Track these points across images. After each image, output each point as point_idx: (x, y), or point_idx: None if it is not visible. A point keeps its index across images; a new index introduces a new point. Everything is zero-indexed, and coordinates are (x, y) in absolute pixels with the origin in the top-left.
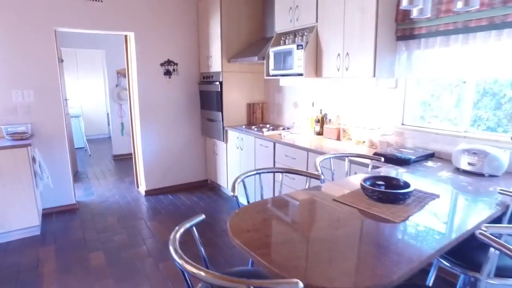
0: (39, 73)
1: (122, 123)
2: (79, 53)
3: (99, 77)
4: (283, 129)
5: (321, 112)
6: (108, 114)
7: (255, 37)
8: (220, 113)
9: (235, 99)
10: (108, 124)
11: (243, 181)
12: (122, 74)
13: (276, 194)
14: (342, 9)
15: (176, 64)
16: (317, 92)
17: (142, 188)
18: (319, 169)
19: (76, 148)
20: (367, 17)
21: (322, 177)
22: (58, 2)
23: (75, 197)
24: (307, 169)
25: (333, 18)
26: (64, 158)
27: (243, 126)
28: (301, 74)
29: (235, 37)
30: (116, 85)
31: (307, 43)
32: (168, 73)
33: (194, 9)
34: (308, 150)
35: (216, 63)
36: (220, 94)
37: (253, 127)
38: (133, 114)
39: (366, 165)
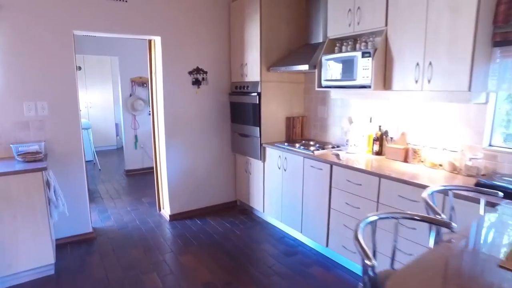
0: (55, 82)
1: (135, 136)
2: (87, 59)
3: (108, 85)
4: (332, 147)
5: (380, 129)
6: (116, 124)
7: (295, 43)
8: (258, 128)
9: (273, 112)
10: (117, 135)
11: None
12: (137, 82)
13: (385, 246)
14: (423, 10)
15: (206, 72)
16: (375, 106)
17: (166, 212)
18: (439, 211)
19: None
20: (461, 18)
21: (454, 224)
22: (78, 1)
23: (91, 224)
24: (378, 199)
25: (410, 21)
26: (80, 180)
27: (285, 144)
28: (366, 87)
29: (275, 43)
30: (130, 95)
31: (375, 50)
32: (197, 82)
33: (226, 12)
34: (380, 175)
35: (253, 72)
36: (258, 106)
37: (297, 144)
38: (157, 128)
39: (473, 200)
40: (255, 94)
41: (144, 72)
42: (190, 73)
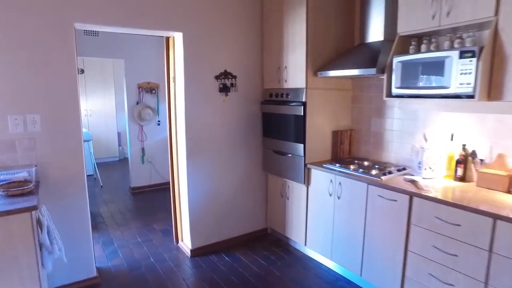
0: (50, 88)
1: (143, 149)
2: (87, 62)
3: (110, 91)
4: (399, 170)
5: (464, 149)
6: (119, 133)
7: (344, 43)
8: (301, 145)
9: (320, 126)
10: (119, 145)
11: None
12: (144, 89)
13: None
14: None
15: (235, 77)
16: (457, 119)
17: (186, 245)
18: None
19: None
20: None
21: None
22: None
23: (95, 264)
24: (490, 248)
25: None
26: (83, 213)
27: (336, 165)
28: (463, 96)
29: (323, 42)
30: (137, 103)
31: (481, 48)
32: (224, 89)
33: (257, 5)
34: (496, 216)
35: (295, 77)
36: (302, 119)
37: (351, 166)
38: (175, 144)
39: None
40: (299, 104)
41: (153, 77)
42: (217, 77)
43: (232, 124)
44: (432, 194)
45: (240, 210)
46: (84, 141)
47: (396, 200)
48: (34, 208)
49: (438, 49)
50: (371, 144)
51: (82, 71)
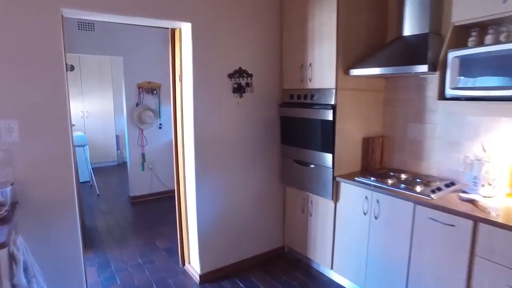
0: (31, 88)
1: (143, 154)
2: (83, 60)
3: (107, 91)
4: (447, 185)
5: None
6: (117, 136)
7: (377, 36)
8: (329, 154)
9: (350, 132)
10: (117, 149)
11: None
12: (145, 89)
13: None
14: None
15: (251, 76)
16: None
17: (194, 269)
18: None
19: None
20: None
21: None
22: None
23: None
24: None
25: None
26: (73, 240)
27: (371, 178)
28: None
29: (354, 35)
30: (137, 104)
31: None
32: (239, 89)
33: None
34: None
35: (322, 76)
36: (331, 125)
37: (389, 180)
38: (181, 153)
39: None
40: (327, 107)
41: (154, 76)
42: (231, 76)
43: (247, 129)
44: (502, 219)
45: (255, 227)
46: (79, 146)
47: (454, 225)
48: (2, 246)
49: (504, 39)
50: (408, 153)
51: (72, 68)
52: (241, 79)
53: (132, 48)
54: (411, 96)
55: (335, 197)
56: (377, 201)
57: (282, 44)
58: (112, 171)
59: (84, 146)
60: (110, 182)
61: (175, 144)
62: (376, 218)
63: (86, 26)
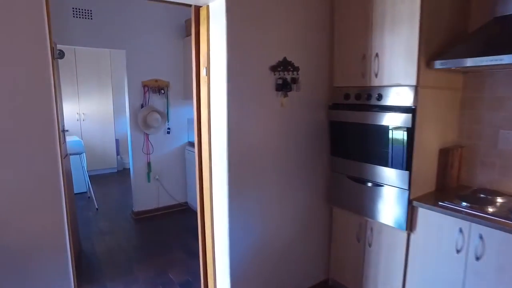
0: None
1: (149, 163)
2: (80, 54)
3: (106, 90)
4: None
5: None
6: (117, 141)
7: (459, 19)
8: (404, 172)
9: (428, 142)
10: (117, 154)
11: None
12: (151, 88)
13: None
14: None
15: (297, 69)
16: None
17: None
18: None
19: (75, 194)
20: None
21: None
22: None
23: None
24: None
25: None
26: None
27: (463, 203)
28: None
29: (438, 17)
30: (142, 105)
31: None
32: (284, 86)
33: None
34: None
35: (396, 69)
36: (410, 133)
37: (489, 207)
38: (209, 167)
39: None
40: (404, 110)
41: (162, 73)
42: (274, 69)
43: (290, 137)
44: None
45: (296, 256)
46: (74, 153)
47: None
48: None
49: None
50: (498, 168)
51: (62, 55)
52: (286, 73)
53: (136, 40)
54: (504, 95)
55: (410, 226)
56: (480, 236)
57: (333, 30)
58: (112, 179)
59: (81, 154)
60: (110, 193)
61: (198, 156)
62: (477, 259)
63: (82, 13)
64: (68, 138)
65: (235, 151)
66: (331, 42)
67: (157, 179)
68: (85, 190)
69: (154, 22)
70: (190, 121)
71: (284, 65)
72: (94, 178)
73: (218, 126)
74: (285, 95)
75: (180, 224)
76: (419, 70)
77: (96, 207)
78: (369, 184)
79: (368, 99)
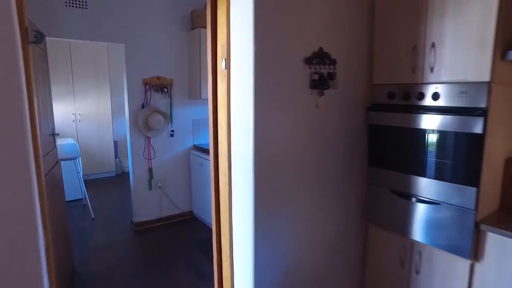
0: None
1: (150, 169)
2: (75, 48)
3: (104, 88)
4: None
5: None
6: (115, 143)
7: None
8: (469, 188)
9: (497, 151)
10: (116, 157)
11: None
12: (153, 86)
13: None
14: None
15: (334, 62)
16: None
17: None
18: None
19: (69, 201)
20: None
21: None
22: None
23: None
24: None
25: None
26: None
27: None
28: None
29: None
30: (143, 105)
31: None
32: (320, 83)
33: None
34: None
35: (460, 62)
36: (479, 141)
37: None
38: (229, 178)
39: None
40: (472, 112)
41: (165, 70)
42: (308, 61)
43: (325, 144)
44: None
45: (327, 282)
46: (68, 159)
47: None
48: None
49: None
50: None
51: (39, 38)
52: (322, 66)
53: (136, 33)
54: None
55: (475, 254)
56: None
57: (375, 15)
58: (110, 184)
59: (75, 158)
60: (108, 200)
61: (214, 165)
62: None
63: (76, 2)
64: (62, 141)
65: (262, 161)
66: (371, 30)
67: (159, 186)
68: (81, 197)
69: (156, 13)
70: (196, 122)
71: (320, 57)
72: (91, 183)
73: (241, 131)
74: (321, 94)
75: (186, 237)
76: (494, 62)
77: (93, 216)
78: (419, 201)
79: (419, 99)
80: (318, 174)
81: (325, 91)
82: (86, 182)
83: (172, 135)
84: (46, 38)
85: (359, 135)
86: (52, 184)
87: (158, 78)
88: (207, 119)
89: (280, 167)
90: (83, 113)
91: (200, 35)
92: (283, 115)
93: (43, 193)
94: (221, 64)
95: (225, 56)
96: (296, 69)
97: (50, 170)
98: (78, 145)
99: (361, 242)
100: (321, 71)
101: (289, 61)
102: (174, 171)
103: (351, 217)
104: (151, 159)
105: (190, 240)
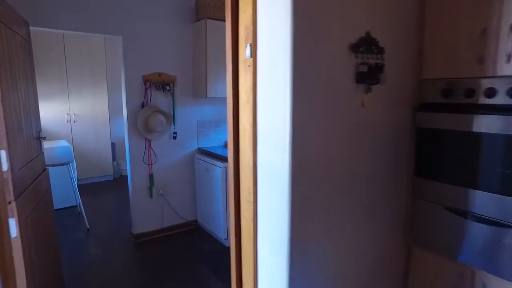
0: None
1: (151, 176)
2: (69, 41)
3: (101, 85)
4: None
5: None
6: (113, 144)
7: None
8: None
9: None
10: (113, 159)
11: None
12: (154, 83)
13: None
14: None
15: (382, 51)
16: None
17: None
18: None
19: (62, 209)
20: None
21: None
22: None
23: None
24: None
25: None
26: None
27: None
28: None
29: None
30: (143, 105)
31: None
32: (368, 76)
33: None
34: None
35: None
36: None
37: None
38: (255, 192)
39: None
40: None
41: (167, 65)
42: (354, 49)
43: (369, 151)
44: None
45: None
46: (60, 164)
47: None
48: None
49: None
50: None
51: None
52: (369, 55)
53: (135, 24)
54: None
55: None
56: None
57: None
58: (107, 189)
59: (68, 163)
60: (105, 207)
61: (235, 176)
62: None
63: None
64: (55, 143)
65: (301, 175)
66: (422, 12)
67: (161, 194)
68: (75, 204)
69: (157, 3)
70: (201, 123)
71: (368, 44)
72: (87, 188)
73: (272, 136)
74: (368, 90)
75: (191, 250)
76: None
77: (87, 226)
78: (484, 221)
79: (489, 96)
80: (359, 188)
81: (372, 87)
82: (82, 187)
83: (174, 138)
84: (35, 28)
85: (403, 140)
86: (38, 196)
87: (160, 74)
88: (214, 120)
89: (321, 183)
90: (78, 113)
91: (206, 27)
92: (324, 116)
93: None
94: (244, 52)
95: (250, 41)
96: (339, 58)
97: (35, 179)
98: (72, 148)
99: (402, 266)
100: (368, 60)
101: (332, 48)
102: (177, 177)
103: (392, 238)
104: (151, 164)
105: (196, 253)
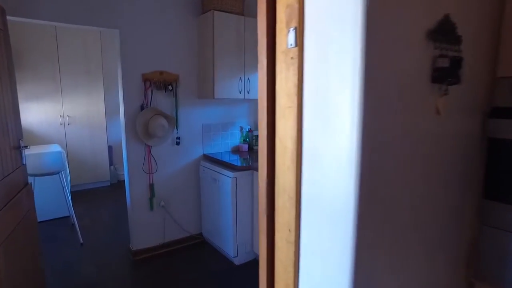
0: None
1: (151, 186)
2: (61, 35)
3: (96, 85)
4: None
5: None
6: (110, 148)
7: None
8: None
9: None
10: (110, 164)
11: None
12: (155, 83)
13: None
14: None
15: (459, 40)
16: None
17: None
18: None
19: (51, 220)
20: None
21: None
22: None
23: None
24: None
25: None
26: None
27: None
28: None
29: None
30: (142, 107)
31: None
32: (446, 74)
33: None
34: None
35: None
36: None
37: None
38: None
39: None
40: None
41: (169, 63)
42: (432, 36)
43: (438, 167)
44: None
45: None
46: (52, 173)
47: None
48: None
49: None
50: None
51: None
52: (448, 46)
53: (134, 16)
54: None
55: None
56: None
57: None
58: (104, 195)
59: (60, 172)
60: (101, 218)
61: (268, 211)
62: None
63: None
64: (46, 148)
65: (369, 207)
66: None
67: (162, 206)
68: (68, 214)
69: None
70: (207, 127)
71: (446, 31)
72: (82, 195)
73: (328, 155)
74: (445, 92)
75: (196, 267)
76: None
77: (81, 241)
78: None
79: None
80: (427, 222)
81: (451, 88)
82: (76, 194)
83: (177, 143)
84: (21, 19)
85: (470, 154)
86: (16, 218)
87: (161, 73)
88: (221, 123)
89: (390, 220)
90: (72, 115)
91: (213, 19)
92: (397, 130)
93: None
94: (285, 39)
95: (294, 23)
96: (414, 49)
97: (13, 198)
98: (65, 153)
99: None
100: (446, 52)
101: (406, 34)
102: (181, 187)
103: (454, 273)
104: (152, 173)
105: (202, 272)
